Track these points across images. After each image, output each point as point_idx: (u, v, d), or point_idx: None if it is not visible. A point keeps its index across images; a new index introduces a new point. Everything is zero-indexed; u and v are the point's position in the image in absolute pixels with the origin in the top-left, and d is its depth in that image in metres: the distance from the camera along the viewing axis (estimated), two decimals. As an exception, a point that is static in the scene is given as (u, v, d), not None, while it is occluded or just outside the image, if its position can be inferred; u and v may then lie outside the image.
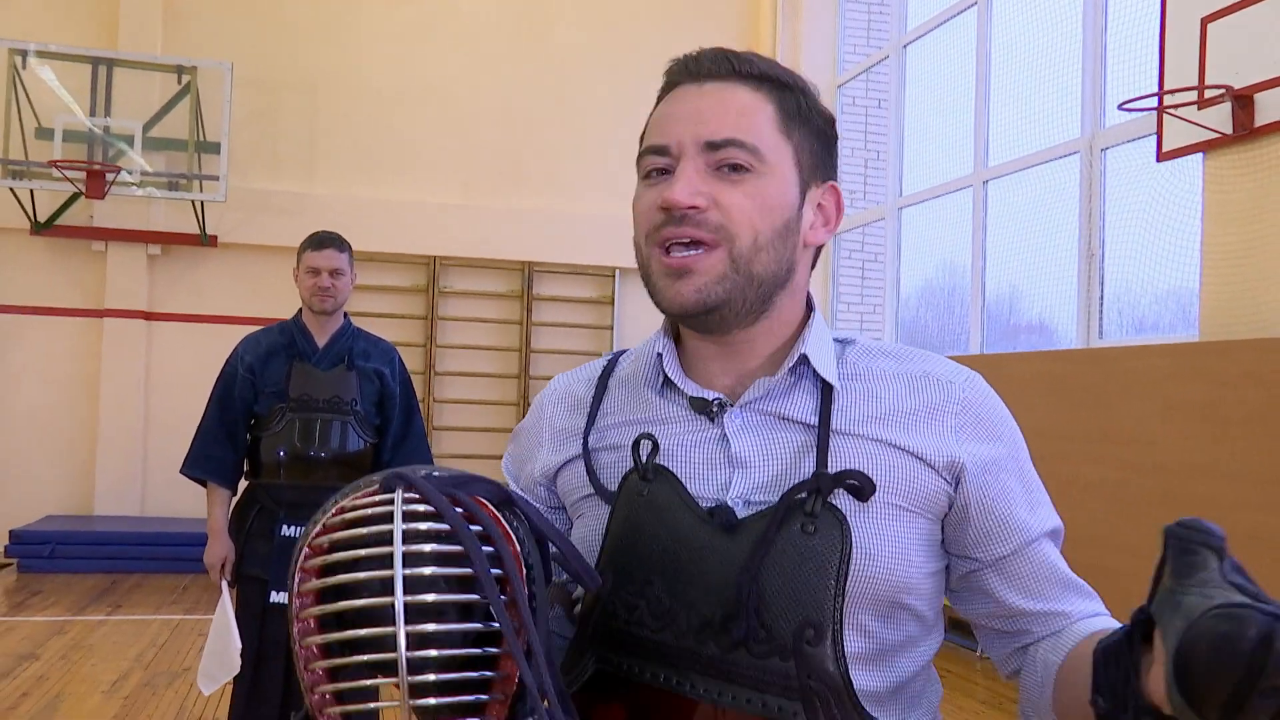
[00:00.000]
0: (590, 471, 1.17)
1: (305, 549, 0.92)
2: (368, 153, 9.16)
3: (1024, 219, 7.05)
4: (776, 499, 1.05)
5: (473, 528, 0.90)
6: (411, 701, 0.85)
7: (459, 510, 0.90)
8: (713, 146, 1.07)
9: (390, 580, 0.85)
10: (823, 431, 1.08)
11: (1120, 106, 5.32)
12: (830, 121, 1.15)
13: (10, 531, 7.90)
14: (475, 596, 0.88)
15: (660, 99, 1.14)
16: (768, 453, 1.10)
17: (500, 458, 5.58)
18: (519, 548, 0.93)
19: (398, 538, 0.86)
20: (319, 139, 9.09)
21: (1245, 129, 4.87)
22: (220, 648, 3.26)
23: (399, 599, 0.84)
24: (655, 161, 1.10)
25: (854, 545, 1.03)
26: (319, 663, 0.89)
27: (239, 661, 3.22)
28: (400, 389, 3.57)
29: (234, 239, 8.79)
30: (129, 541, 7.99)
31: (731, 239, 1.07)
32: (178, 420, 8.62)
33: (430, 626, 0.86)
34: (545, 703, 0.90)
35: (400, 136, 9.20)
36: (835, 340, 1.17)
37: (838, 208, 1.15)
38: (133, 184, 8.07)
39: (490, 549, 0.90)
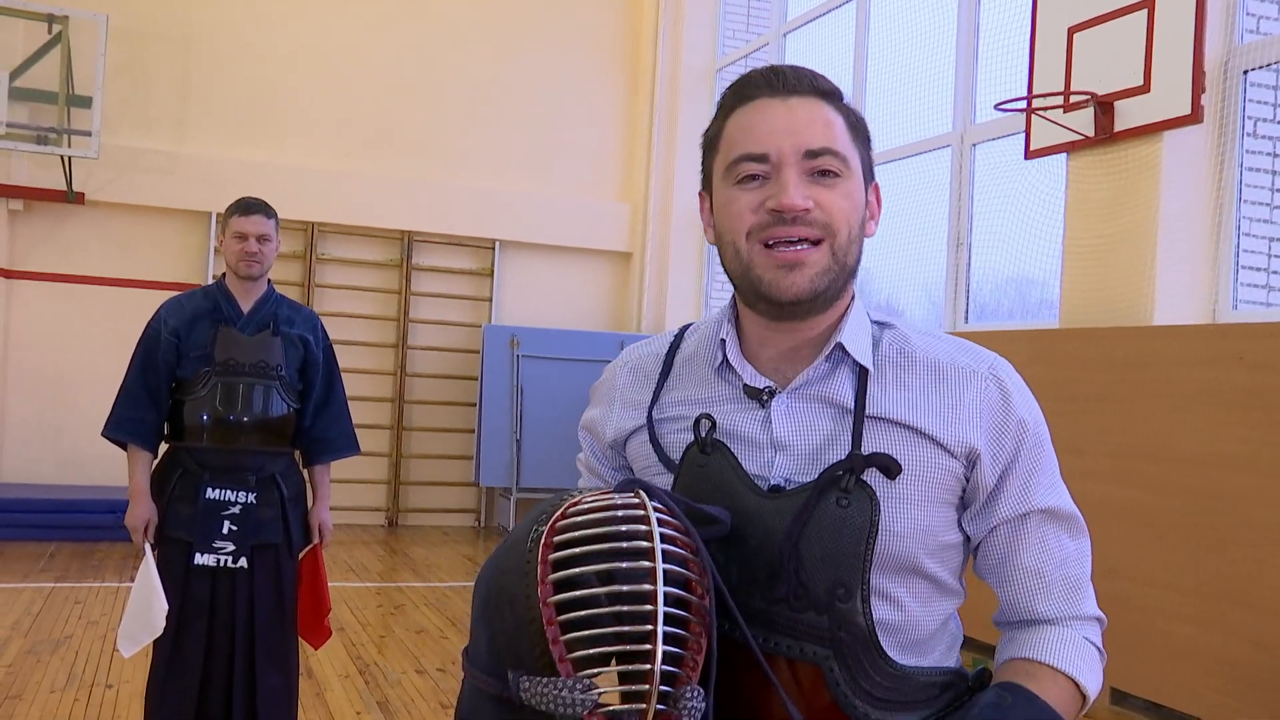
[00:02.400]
0: (655, 442, 1.34)
1: (545, 535, 1.07)
2: (244, 114, 8.98)
3: (889, 206, 7.40)
4: (813, 476, 1.23)
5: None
6: (662, 666, 1.02)
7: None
8: (812, 154, 1.22)
9: (643, 571, 1.04)
10: (858, 416, 1.24)
11: (996, 107, 5.67)
12: (870, 133, 1.32)
13: None
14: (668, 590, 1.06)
15: (732, 108, 1.28)
16: (806, 435, 1.26)
17: (376, 427, 5.80)
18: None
19: (656, 534, 1.04)
20: (193, 97, 8.87)
21: (1106, 133, 5.26)
22: (143, 609, 3.29)
23: (660, 570, 1.03)
24: (752, 168, 1.23)
25: (882, 520, 1.21)
26: (565, 635, 1.05)
27: (163, 623, 3.25)
28: (323, 355, 3.62)
29: (103, 197, 8.52)
30: (-14, 508, 7.72)
31: (834, 234, 1.23)
32: (38, 383, 8.38)
33: (678, 611, 1.05)
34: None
35: (277, 98, 9.05)
36: (875, 323, 1.33)
37: (879, 203, 1.32)
38: (-3, 136, 7.75)
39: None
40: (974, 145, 6.59)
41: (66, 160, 8.10)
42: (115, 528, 7.49)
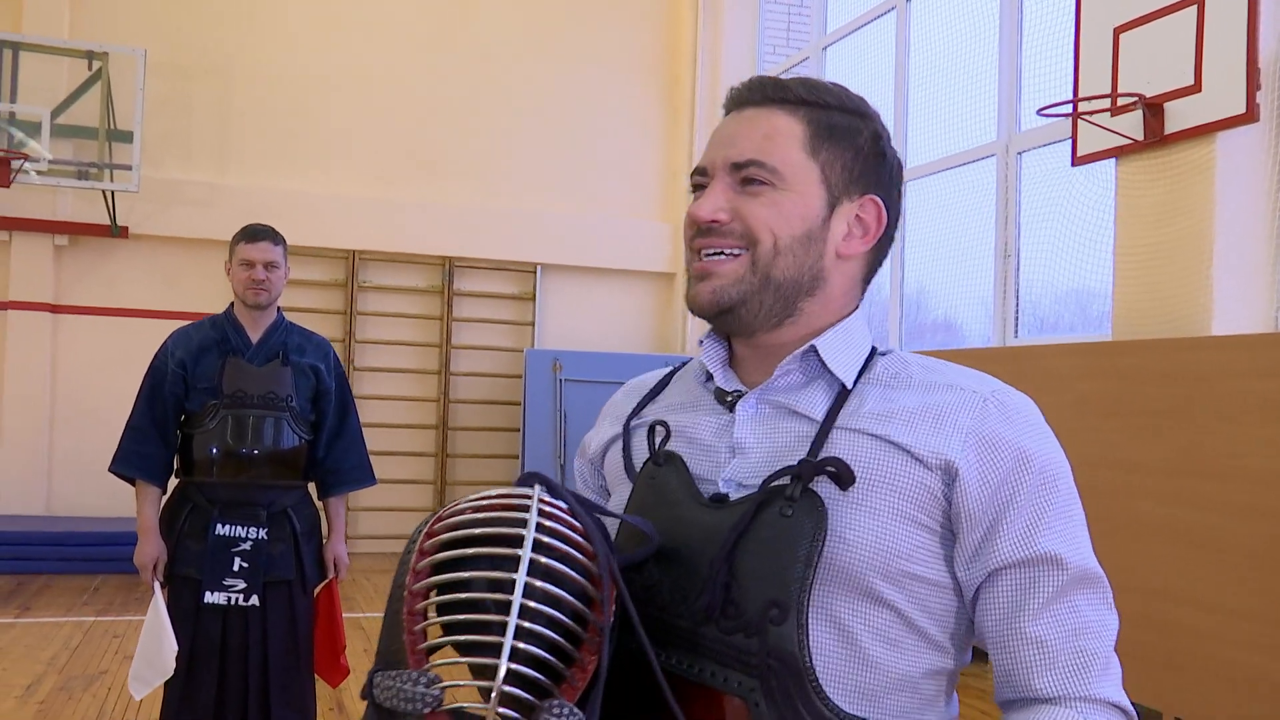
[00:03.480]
0: (625, 450, 1.27)
1: (438, 520, 1.01)
2: (284, 144, 8.99)
3: (937, 219, 7.21)
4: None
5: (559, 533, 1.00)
6: (511, 664, 0.91)
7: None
8: (737, 167, 1.18)
9: (515, 559, 0.94)
10: (825, 425, 1.13)
11: (1039, 112, 5.46)
12: (877, 137, 1.21)
13: (-92, 531, 7.60)
14: (567, 600, 0.96)
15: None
16: (767, 440, 1.16)
17: (419, 455, 5.69)
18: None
19: (533, 520, 0.96)
20: (233, 129, 8.90)
21: (1156, 136, 5.03)
22: (153, 650, 3.19)
23: (524, 559, 0.94)
24: (698, 180, 1.22)
25: (830, 531, 1.06)
26: (426, 622, 0.97)
27: (173, 664, 3.15)
28: (336, 384, 3.52)
29: (145, 230, 8.56)
30: (34, 541, 7.73)
31: (755, 244, 1.16)
32: (86, 416, 8.41)
33: (541, 606, 0.94)
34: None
35: (317, 127, 9.05)
36: (880, 353, 1.21)
37: (878, 220, 1.20)
38: (39, 172, 7.80)
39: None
40: (1020, 154, 6.38)
41: (109, 195, 8.15)
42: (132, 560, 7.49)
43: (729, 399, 1.20)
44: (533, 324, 9.53)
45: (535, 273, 9.54)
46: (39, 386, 8.45)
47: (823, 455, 1.10)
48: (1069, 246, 5.98)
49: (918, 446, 1.09)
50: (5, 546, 7.64)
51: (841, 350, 1.18)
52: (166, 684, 3.25)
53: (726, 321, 1.18)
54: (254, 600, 3.29)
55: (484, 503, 0.99)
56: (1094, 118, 5.30)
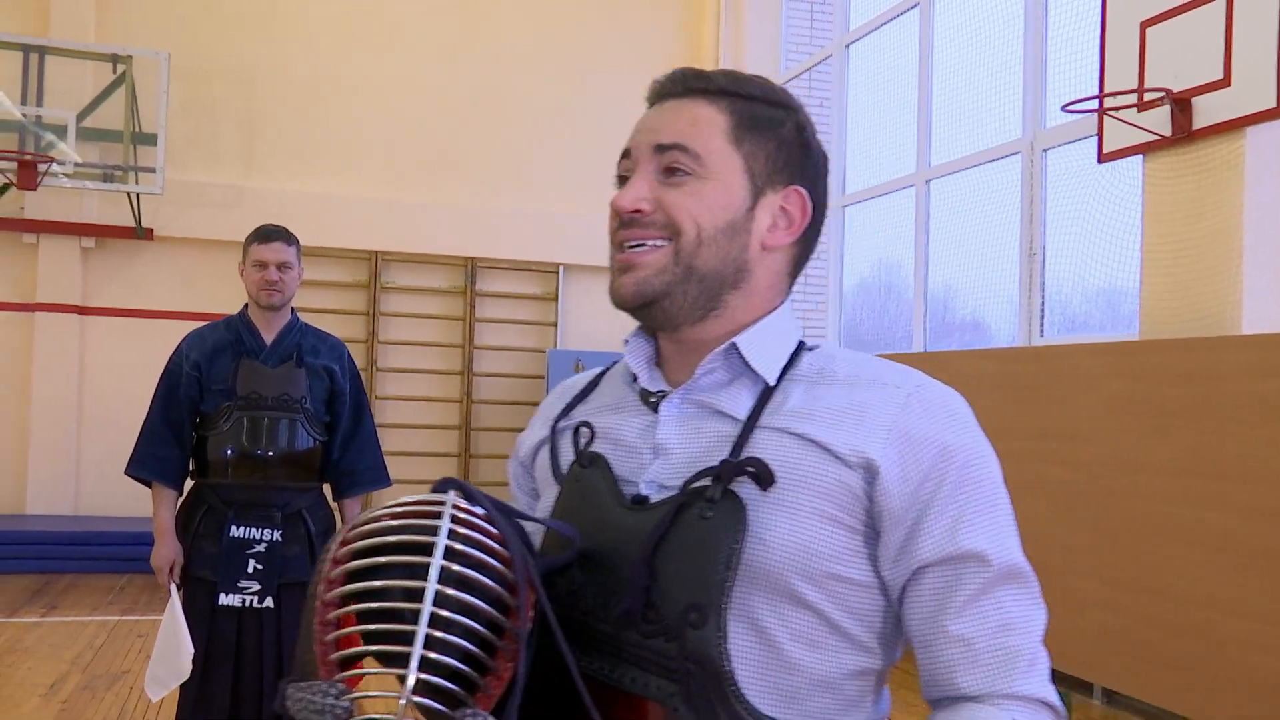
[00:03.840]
0: (553, 453, 1.24)
1: (353, 528, 0.98)
2: (307, 145, 9.02)
3: (960, 218, 7.13)
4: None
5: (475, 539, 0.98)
6: (420, 674, 0.89)
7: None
8: (661, 149, 1.15)
9: (424, 565, 0.92)
10: (747, 425, 1.11)
11: (1064, 108, 5.39)
12: (801, 128, 1.20)
13: (-63, 531, 7.67)
14: (483, 606, 0.94)
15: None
16: (689, 441, 1.14)
17: (442, 455, 5.64)
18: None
19: (446, 520, 0.94)
20: (257, 131, 8.93)
21: (1184, 132, 4.96)
22: (169, 652, 3.19)
23: (435, 566, 0.91)
24: (623, 167, 1.19)
25: (751, 532, 1.04)
26: (337, 633, 0.94)
27: (189, 666, 3.15)
28: (350, 385, 3.50)
29: (170, 232, 8.61)
30: (62, 541, 7.79)
31: (678, 234, 1.13)
32: (112, 417, 8.46)
33: (450, 614, 0.92)
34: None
35: (340, 129, 9.07)
36: (807, 348, 1.19)
37: (803, 211, 1.18)
38: (66, 175, 7.86)
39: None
40: (1045, 151, 6.30)
41: (134, 197, 8.19)
42: (148, 561, 7.53)
43: (653, 399, 1.18)
44: (555, 324, 9.52)
45: (558, 273, 9.53)
46: (67, 387, 8.51)
47: (744, 455, 1.08)
48: (1096, 244, 5.90)
49: (838, 445, 1.07)
50: (33, 546, 7.70)
51: (764, 347, 1.16)
52: (182, 685, 3.25)
53: (650, 314, 1.16)
54: (268, 602, 3.27)
55: (399, 509, 0.97)
56: (1120, 113, 5.23)
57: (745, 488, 1.07)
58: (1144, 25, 5.17)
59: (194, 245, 8.75)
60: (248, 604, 3.26)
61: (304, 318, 3.55)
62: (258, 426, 3.30)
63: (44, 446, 8.44)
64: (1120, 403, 4.91)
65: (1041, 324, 6.29)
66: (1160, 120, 5.07)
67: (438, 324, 9.33)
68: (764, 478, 1.04)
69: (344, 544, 0.97)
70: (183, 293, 8.73)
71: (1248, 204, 4.77)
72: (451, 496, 0.97)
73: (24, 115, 7.93)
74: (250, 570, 3.26)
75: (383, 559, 0.93)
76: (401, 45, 9.23)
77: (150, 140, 8.08)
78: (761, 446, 1.09)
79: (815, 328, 9.22)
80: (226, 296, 8.73)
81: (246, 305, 3.44)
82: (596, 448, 1.19)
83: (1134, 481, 4.79)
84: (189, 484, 3.42)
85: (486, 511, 0.98)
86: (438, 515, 0.95)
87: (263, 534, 3.28)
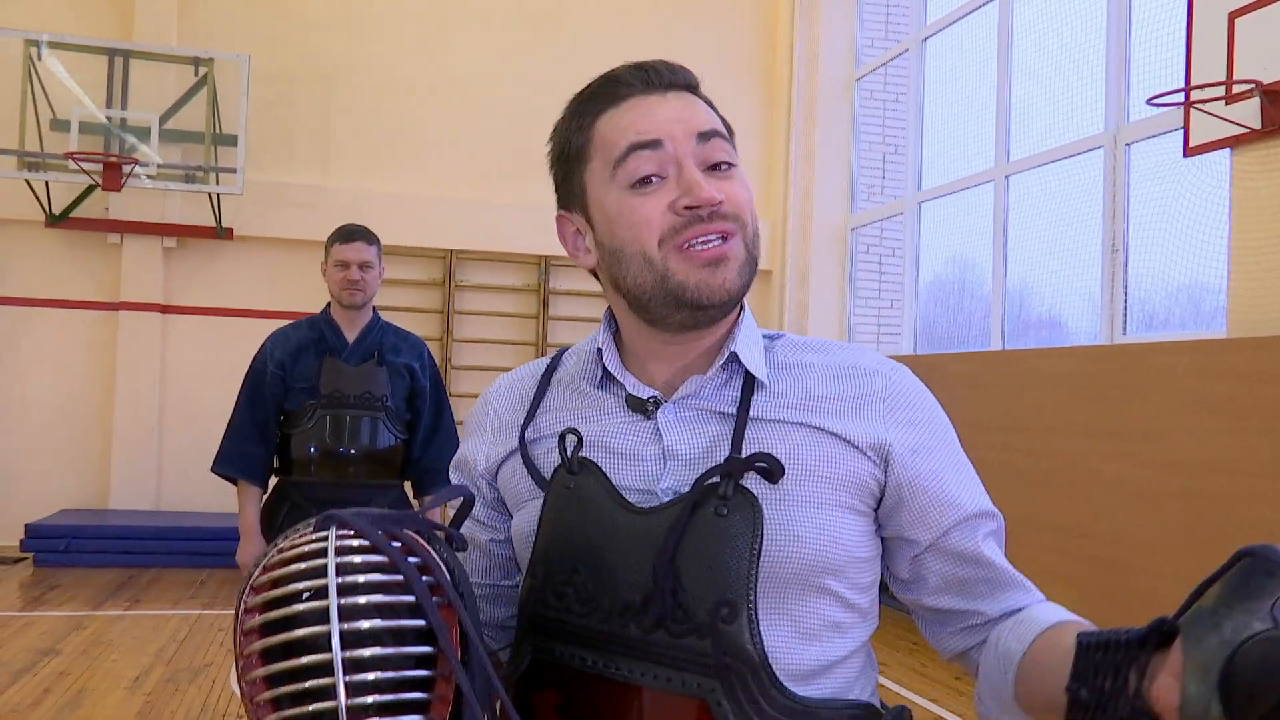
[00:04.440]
0: (528, 463, 1.22)
1: (248, 589, 0.95)
2: (383, 146, 9.17)
3: (1039, 214, 7.05)
4: None
5: (410, 559, 0.94)
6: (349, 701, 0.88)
7: (396, 544, 0.94)
8: (704, 136, 1.13)
9: (327, 611, 0.89)
10: (740, 419, 1.13)
11: (1149, 101, 5.31)
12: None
13: (26, 525, 7.93)
14: (409, 622, 0.91)
15: (598, 113, 1.18)
16: (696, 443, 1.15)
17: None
18: (452, 576, 0.97)
19: (331, 569, 0.90)
20: (334, 132, 9.10)
21: (1274, 124, 4.86)
22: (252, 644, 3.28)
23: (334, 625, 0.88)
24: (646, 164, 1.12)
25: (770, 525, 1.08)
26: (263, 694, 0.91)
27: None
28: (430, 384, 3.58)
29: (250, 232, 8.81)
30: (145, 536, 8.02)
31: (744, 226, 1.14)
32: (193, 414, 8.68)
33: (366, 651, 0.89)
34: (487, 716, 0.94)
35: (416, 129, 9.22)
36: (764, 336, 1.23)
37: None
38: (149, 176, 8.08)
39: (429, 578, 0.94)
40: (1128, 145, 6.20)
41: (215, 197, 8.40)
42: (234, 558, 7.72)
43: (647, 407, 1.18)
44: (627, 322, 9.56)
45: (630, 271, 9.57)
46: (149, 385, 8.76)
47: (749, 448, 1.12)
48: (1180, 240, 5.80)
49: (850, 433, 1.14)
50: (117, 540, 7.94)
51: (751, 346, 1.19)
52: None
53: (726, 309, 1.15)
54: (351, 597, 3.36)
55: (288, 554, 0.94)
56: (1207, 106, 5.14)
57: (755, 481, 1.10)
58: (1232, 16, 5.08)
59: (273, 244, 8.95)
60: (330, 598, 3.34)
61: (381, 315, 3.63)
62: (340, 424, 3.39)
63: (127, 443, 8.69)
64: (1204, 402, 4.83)
65: (1124, 321, 6.20)
66: (1249, 113, 4.98)
67: (512, 322, 9.44)
68: (774, 471, 1.08)
69: (246, 609, 0.95)
70: (262, 291, 8.93)
71: (1341, 199, 4.66)
72: (333, 534, 0.93)
73: (109, 118, 8.18)
74: (333, 565, 3.34)
75: (275, 613, 0.91)
76: (475, 45, 9.34)
77: (230, 141, 8.28)
78: (769, 440, 1.13)
79: (891, 327, 9.16)
80: (304, 295, 8.92)
81: (329, 304, 3.53)
82: (587, 454, 1.18)
83: (1217, 482, 4.71)
84: (273, 481, 3.52)
85: (371, 540, 0.93)
86: (319, 555, 0.92)
87: (345, 530, 3.36)
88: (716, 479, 1.09)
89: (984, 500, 1.20)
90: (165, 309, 8.82)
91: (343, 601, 0.89)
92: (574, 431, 1.18)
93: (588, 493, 1.15)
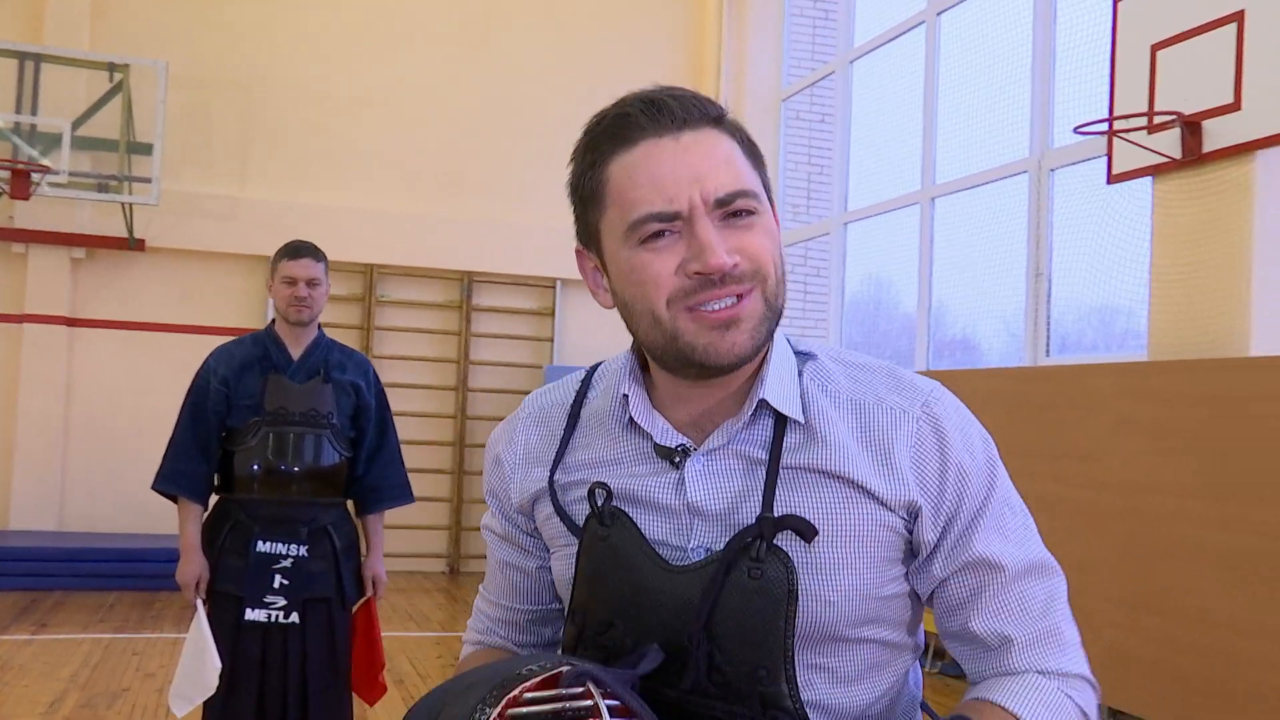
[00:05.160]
0: (560, 510, 1.22)
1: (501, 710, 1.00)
2: (304, 157, 9.10)
3: (959, 236, 7.28)
4: None
5: None
6: None
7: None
8: (722, 203, 1.10)
9: None
10: (771, 469, 1.13)
11: (1075, 130, 5.53)
12: (756, 144, 1.20)
13: (-78, 547, 7.69)
14: None
15: (610, 153, 1.15)
16: (724, 498, 1.15)
17: (436, 471, 5.74)
18: None
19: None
20: (254, 141, 9.01)
21: (1194, 154, 5.10)
22: (195, 667, 3.26)
23: None
24: (659, 227, 1.10)
25: (804, 586, 1.10)
26: None
27: (216, 681, 3.22)
28: (375, 402, 3.60)
29: (163, 243, 8.67)
30: (48, 558, 7.82)
31: (764, 280, 1.11)
32: (100, 432, 8.50)
33: None
34: None
35: (338, 140, 9.17)
36: (797, 354, 1.21)
37: (776, 223, 1.19)
38: (59, 185, 7.91)
39: None
40: (1052, 170, 6.45)
41: (127, 207, 8.26)
42: (174, 577, 7.56)
43: (675, 457, 1.17)
44: (552, 340, 9.62)
45: (555, 288, 9.63)
46: (53, 401, 8.55)
47: (780, 499, 1.12)
48: (1100, 264, 6.04)
49: (876, 486, 1.13)
50: (18, 563, 7.72)
51: (781, 385, 1.16)
52: (205, 702, 3.32)
53: (746, 362, 1.13)
54: (294, 618, 3.36)
55: (543, 707, 0.99)
56: (1130, 135, 5.37)
57: (789, 539, 1.11)
58: (1155, 48, 5.32)
59: (187, 256, 8.82)
60: (273, 619, 3.34)
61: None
62: (284, 442, 3.39)
63: (29, 460, 8.47)
64: (1130, 423, 5.04)
65: (1048, 344, 6.43)
66: (1170, 143, 5.21)
67: (433, 339, 9.42)
68: (807, 533, 1.08)
69: None
70: (174, 305, 8.79)
71: (1257, 227, 4.91)
72: (598, 696, 0.99)
73: (17, 124, 7.99)
74: (276, 586, 3.34)
75: None
76: (401, 56, 9.33)
77: (146, 150, 8.15)
78: (797, 491, 1.13)
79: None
80: (220, 309, 8.82)
81: (274, 321, 3.53)
82: (618, 504, 1.18)
83: (1145, 502, 4.91)
84: (213, 499, 3.50)
85: (623, 701, 1.00)
86: (584, 710, 0.98)
87: (289, 549, 3.36)
88: (750, 539, 1.09)
89: (1026, 554, 1.18)
90: (72, 322, 8.63)
91: None
92: (603, 486, 1.17)
93: (621, 545, 1.15)
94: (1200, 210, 5.16)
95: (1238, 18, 4.90)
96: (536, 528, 1.29)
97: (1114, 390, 5.18)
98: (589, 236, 1.19)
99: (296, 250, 3.45)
